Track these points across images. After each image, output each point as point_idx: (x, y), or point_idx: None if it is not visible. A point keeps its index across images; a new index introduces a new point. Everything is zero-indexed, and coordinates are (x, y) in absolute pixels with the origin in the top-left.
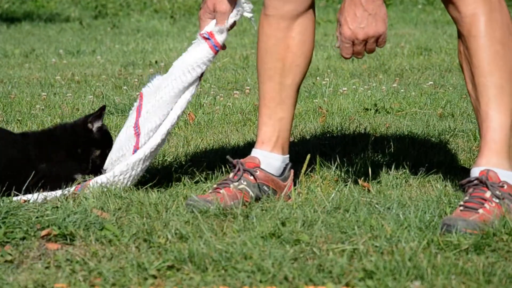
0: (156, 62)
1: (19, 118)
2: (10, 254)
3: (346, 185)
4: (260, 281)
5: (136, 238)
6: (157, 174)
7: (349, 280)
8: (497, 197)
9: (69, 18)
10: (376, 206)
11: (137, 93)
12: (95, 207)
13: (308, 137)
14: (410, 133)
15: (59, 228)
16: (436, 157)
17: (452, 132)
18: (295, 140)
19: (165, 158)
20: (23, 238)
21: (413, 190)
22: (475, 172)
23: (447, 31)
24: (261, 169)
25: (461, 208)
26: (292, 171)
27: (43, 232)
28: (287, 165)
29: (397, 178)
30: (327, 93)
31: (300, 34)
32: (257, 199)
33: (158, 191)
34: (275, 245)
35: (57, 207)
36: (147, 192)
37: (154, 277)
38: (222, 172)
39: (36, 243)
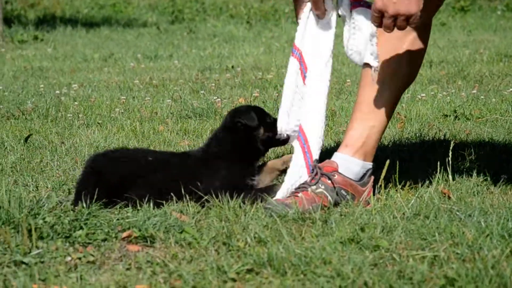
0: (232, 67)
1: (100, 121)
2: (92, 255)
3: (426, 191)
4: (340, 286)
5: (216, 241)
6: None
7: (430, 287)
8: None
9: (146, 23)
10: (457, 213)
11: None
12: (175, 210)
13: (386, 143)
14: (491, 140)
15: (140, 230)
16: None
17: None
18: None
19: None
20: (105, 240)
21: (494, 197)
22: None
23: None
24: (339, 173)
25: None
26: (372, 177)
27: (124, 234)
28: (367, 171)
29: (478, 185)
30: (405, 99)
31: (411, 45)
32: (336, 203)
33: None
34: (354, 250)
35: (138, 209)
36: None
37: (234, 280)
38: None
39: (117, 244)
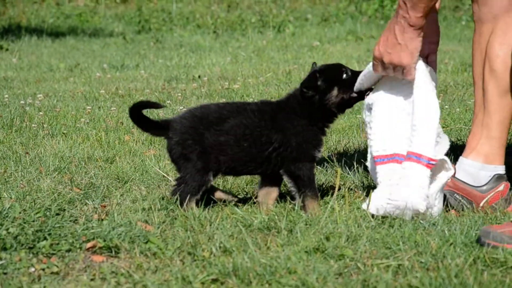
0: (199, 76)
1: (64, 131)
2: (56, 266)
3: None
4: None
5: (181, 251)
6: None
7: None
8: None
9: (113, 33)
10: (421, 222)
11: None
12: (140, 220)
13: (352, 152)
14: (455, 150)
15: (104, 240)
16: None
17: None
18: (339, 155)
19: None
20: (69, 250)
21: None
22: None
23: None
24: (453, 177)
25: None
26: (504, 183)
27: (89, 245)
28: (495, 175)
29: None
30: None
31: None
32: (453, 207)
33: (202, 204)
34: (319, 259)
35: (102, 219)
36: (191, 206)
37: None
38: None
39: (81, 255)
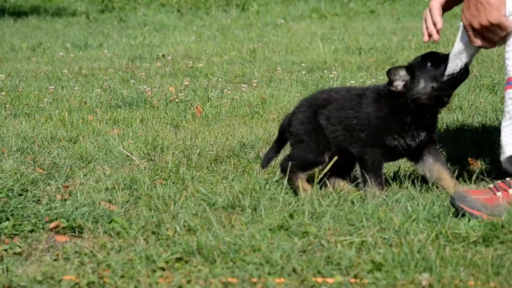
0: (163, 55)
1: (27, 112)
2: (19, 247)
3: (356, 178)
4: (269, 273)
5: (145, 231)
6: (165, 167)
7: (358, 272)
8: None
9: (76, 12)
10: (385, 198)
11: None
12: (103, 200)
13: None
14: None
15: (68, 220)
16: (444, 150)
17: (460, 125)
18: None
19: (173, 151)
20: (32, 231)
21: (422, 182)
22: None
23: (454, 24)
24: None
25: (490, 186)
26: None
27: (52, 225)
28: None
29: (405, 171)
30: (334, 86)
31: None
32: None
33: (165, 184)
34: (283, 237)
35: (65, 199)
36: (155, 185)
37: (163, 269)
38: (230, 164)
39: (44, 235)
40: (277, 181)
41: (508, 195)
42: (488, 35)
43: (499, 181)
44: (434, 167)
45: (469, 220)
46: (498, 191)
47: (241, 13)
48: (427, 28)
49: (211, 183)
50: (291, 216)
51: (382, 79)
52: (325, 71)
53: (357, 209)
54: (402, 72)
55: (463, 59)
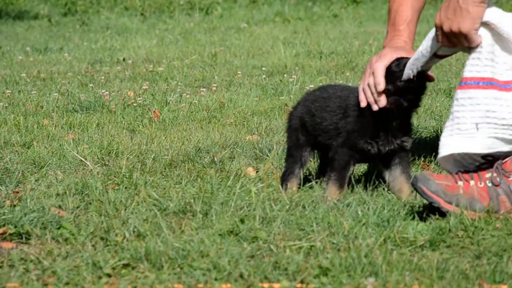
0: (124, 59)
1: None
2: None
3: (308, 182)
4: (216, 279)
5: (93, 237)
6: (119, 172)
7: (304, 277)
8: (492, 182)
9: (38, 15)
10: (335, 202)
11: None
12: (53, 205)
13: (272, 134)
14: None
15: (15, 227)
16: None
17: (416, 129)
18: (260, 137)
19: (128, 156)
20: None
21: (373, 187)
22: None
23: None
24: None
25: (454, 174)
26: None
27: None
28: None
29: (358, 176)
30: (293, 90)
31: None
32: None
33: (118, 189)
34: (232, 242)
35: (15, 205)
36: (107, 190)
37: (109, 275)
38: (184, 169)
39: None
40: (229, 186)
41: (468, 186)
42: (454, 40)
43: (463, 171)
44: (398, 178)
45: (417, 224)
46: (460, 180)
47: (205, 17)
48: (366, 89)
49: (164, 188)
50: (242, 221)
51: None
52: (285, 75)
53: (308, 214)
54: None
55: (419, 66)
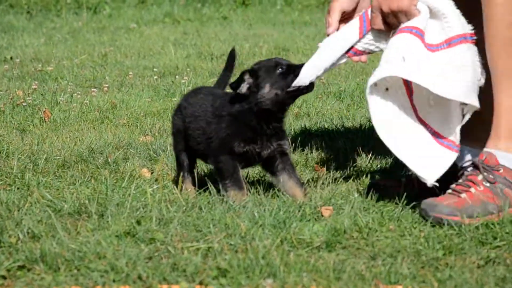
0: (11, 58)
1: None
2: None
3: (204, 182)
4: (114, 281)
5: None
6: (10, 173)
7: (203, 279)
8: (489, 181)
9: None
10: (232, 204)
11: None
12: None
13: (166, 135)
14: None
15: None
16: (291, 156)
17: (307, 131)
18: (154, 138)
19: (19, 156)
20: None
21: (269, 188)
22: (475, 155)
23: (304, 31)
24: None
25: (449, 191)
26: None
27: None
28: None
29: (253, 177)
30: (186, 91)
31: None
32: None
33: (10, 190)
34: (130, 244)
35: None
36: None
37: (4, 277)
38: (77, 170)
39: None
40: (124, 187)
41: (471, 194)
42: (392, 20)
43: (453, 185)
44: (288, 183)
45: (313, 225)
46: (461, 193)
47: (93, 16)
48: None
49: (58, 189)
50: (138, 222)
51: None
52: (177, 76)
53: (205, 215)
54: (246, 76)
55: (318, 73)
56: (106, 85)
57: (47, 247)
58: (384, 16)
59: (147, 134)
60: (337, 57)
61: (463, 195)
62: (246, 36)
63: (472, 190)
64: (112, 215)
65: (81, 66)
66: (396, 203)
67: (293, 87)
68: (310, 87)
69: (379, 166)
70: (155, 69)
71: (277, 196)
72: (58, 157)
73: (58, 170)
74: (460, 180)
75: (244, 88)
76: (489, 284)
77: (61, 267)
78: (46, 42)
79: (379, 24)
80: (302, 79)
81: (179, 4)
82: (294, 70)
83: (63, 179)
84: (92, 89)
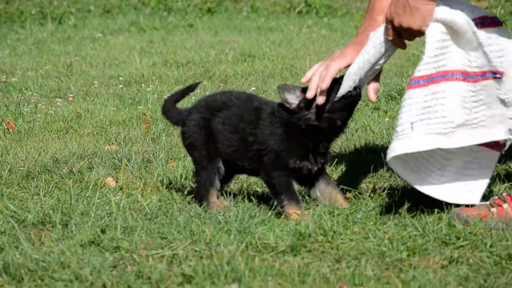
0: None
1: None
2: None
3: (170, 191)
4: None
5: None
6: None
7: (168, 285)
8: None
9: None
10: (197, 210)
11: None
12: None
13: (131, 144)
14: None
15: None
16: None
17: None
18: (119, 147)
19: None
20: None
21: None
22: None
23: (270, 38)
24: None
25: (487, 203)
26: None
27: None
28: None
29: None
30: (151, 99)
31: None
32: None
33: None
34: (94, 252)
35: None
36: None
37: None
38: (41, 180)
39: None
40: (89, 196)
41: (502, 210)
42: (405, 35)
43: (496, 197)
44: (327, 190)
45: (278, 230)
46: (493, 207)
47: (58, 26)
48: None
49: (21, 200)
50: (103, 231)
51: (199, 92)
52: (143, 85)
53: (170, 222)
54: (298, 92)
55: (356, 79)
56: (71, 95)
57: (10, 258)
58: (396, 30)
59: (112, 143)
60: (376, 58)
61: (493, 209)
62: (212, 43)
63: (505, 206)
64: (76, 225)
65: (46, 77)
66: (361, 208)
67: (339, 96)
68: (356, 95)
69: (343, 169)
70: (120, 78)
71: (242, 201)
72: (22, 168)
73: (22, 181)
74: (504, 193)
75: (294, 103)
76: (452, 284)
77: (25, 277)
78: (11, 54)
79: (393, 36)
80: (346, 87)
81: (145, 13)
82: (337, 81)
83: (27, 190)
84: (57, 99)
